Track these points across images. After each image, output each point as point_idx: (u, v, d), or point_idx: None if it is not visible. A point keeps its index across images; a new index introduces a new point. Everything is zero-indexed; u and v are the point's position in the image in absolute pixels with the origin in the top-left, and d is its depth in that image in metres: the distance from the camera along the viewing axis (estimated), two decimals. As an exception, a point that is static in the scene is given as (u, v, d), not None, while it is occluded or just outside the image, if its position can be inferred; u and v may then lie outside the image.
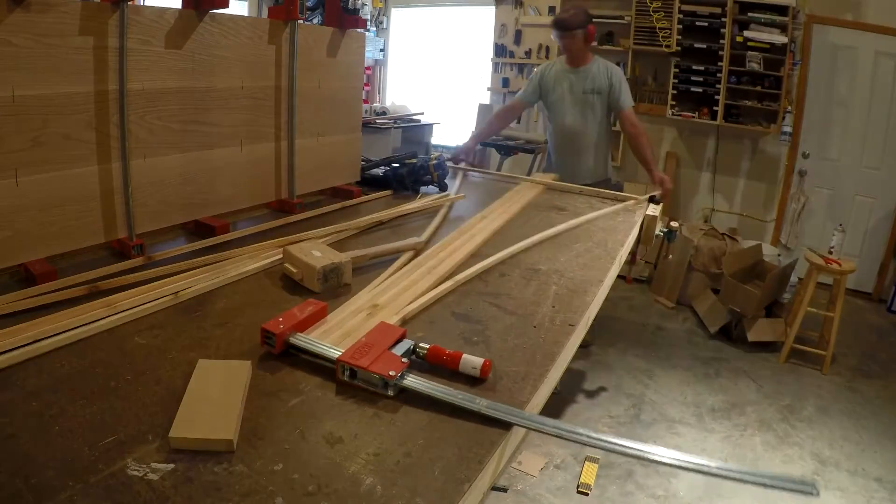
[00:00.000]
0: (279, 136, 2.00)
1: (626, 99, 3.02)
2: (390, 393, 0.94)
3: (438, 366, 1.03)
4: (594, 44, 5.18)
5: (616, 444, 0.86)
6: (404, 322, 1.21)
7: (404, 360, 0.99)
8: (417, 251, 1.64)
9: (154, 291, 1.26)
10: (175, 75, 1.60)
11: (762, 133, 4.81)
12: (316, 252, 1.41)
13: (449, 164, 2.65)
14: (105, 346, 1.05)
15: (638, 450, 0.86)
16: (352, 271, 1.43)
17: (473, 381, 1.00)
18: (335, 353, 1.00)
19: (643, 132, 3.05)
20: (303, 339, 1.06)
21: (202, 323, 1.18)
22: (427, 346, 1.05)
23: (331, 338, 1.09)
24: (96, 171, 1.46)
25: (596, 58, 3.07)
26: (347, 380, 0.97)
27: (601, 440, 0.87)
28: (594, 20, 5.50)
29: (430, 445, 0.84)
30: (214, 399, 0.87)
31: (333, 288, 1.37)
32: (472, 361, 1.01)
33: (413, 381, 0.96)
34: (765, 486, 0.80)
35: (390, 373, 0.94)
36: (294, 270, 1.39)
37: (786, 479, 0.80)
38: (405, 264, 1.55)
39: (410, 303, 1.28)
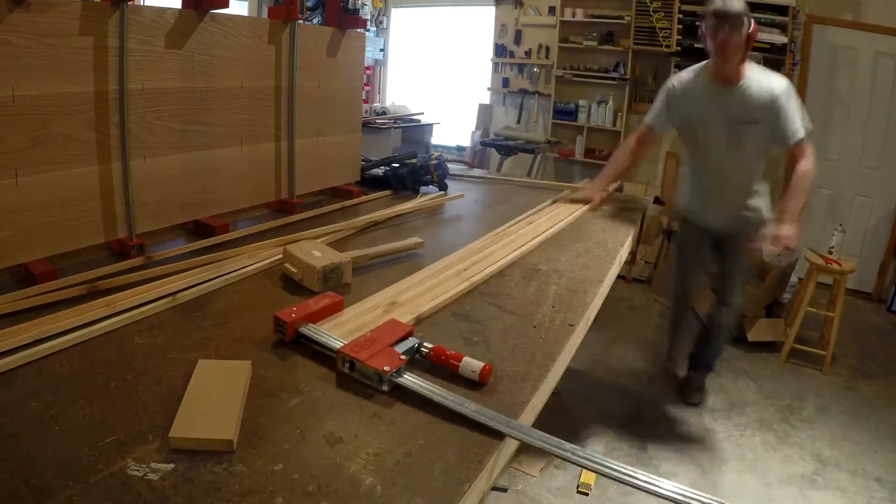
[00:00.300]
0: (279, 136, 2.00)
1: (796, 128, 2.13)
2: (385, 388, 0.95)
3: (440, 366, 1.03)
4: (596, 44, 5.22)
5: (602, 465, 0.85)
6: (419, 321, 1.22)
7: (403, 357, 0.99)
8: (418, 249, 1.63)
9: (154, 291, 1.26)
10: (175, 75, 1.60)
11: (762, 133, 4.80)
12: (316, 252, 1.41)
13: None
14: (105, 346, 1.05)
15: (624, 474, 0.83)
16: (352, 271, 1.43)
17: (474, 384, 1.00)
18: (337, 345, 1.01)
19: (805, 176, 2.17)
20: (312, 330, 1.08)
21: (202, 323, 1.18)
22: (430, 345, 1.05)
23: (341, 330, 1.11)
24: (96, 171, 1.46)
25: (752, 68, 2.16)
26: (347, 371, 0.99)
27: (587, 459, 0.86)
28: (597, 20, 5.49)
29: (430, 445, 0.84)
30: (214, 399, 0.87)
31: (334, 287, 1.36)
32: (471, 365, 1.01)
33: (409, 379, 0.96)
34: None
35: (385, 368, 0.95)
36: (294, 270, 1.39)
37: None
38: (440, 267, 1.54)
39: (429, 302, 1.30)
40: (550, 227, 1.96)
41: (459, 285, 1.41)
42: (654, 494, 0.82)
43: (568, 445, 0.87)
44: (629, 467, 0.84)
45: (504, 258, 1.62)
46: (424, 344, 1.05)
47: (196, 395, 0.88)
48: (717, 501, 0.80)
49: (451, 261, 1.58)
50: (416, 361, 1.04)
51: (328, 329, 1.10)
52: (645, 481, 0.82)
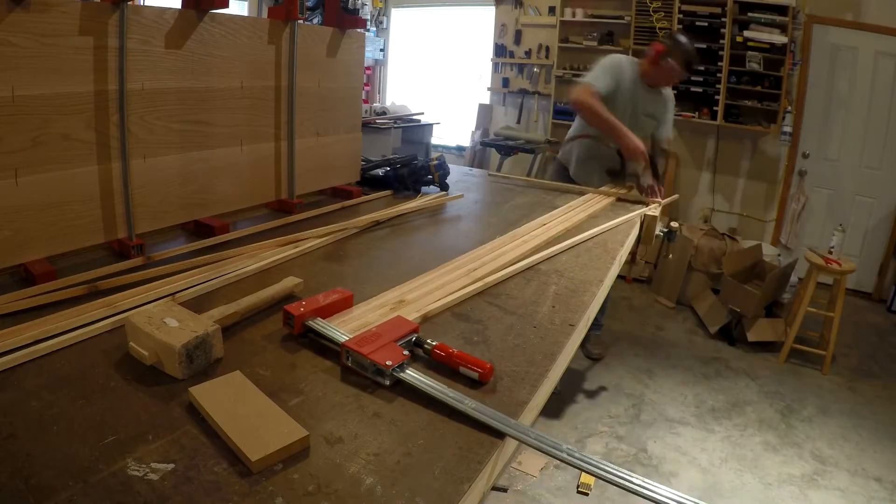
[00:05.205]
0: (279, 136, 2.00)
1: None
2: (386, 382, 0.96)
3: (443, 364, 1.04)
4: (596, 44, 5.22)
5: (596, 465, 0.83)
6: (425, 319, 1.23)
7: (406, 352, 1.00)
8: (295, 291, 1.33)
9: (154, 291, 1.26)
10: (175, 75, 1.60)
11: (762, 133, 4.81)
12: (171, 320, 1.02)
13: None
14: (105, 346, 1.05)
15: (617, 476, 0.81)
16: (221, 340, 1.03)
17: (474, 383, 1.01)
18: (343, 338, 1.03)
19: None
20: (319, 324, 1.10)
21: (202, 323, 1.18)
22: (434, 342, 1.06)
23: (349, 326, 1.12)
24: (96, 171, 1.46)
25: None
26: (350, 365, 1.00)
27: (582, 459, 0.84)
28: (594, 20, 5.50)
29: (431, 445, 0.84)
30: (251, 413, 0.85)
31: (201, 368, 0.99)
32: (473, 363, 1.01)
33: (410, 374, 0.97)
34: None
35: (387, 362, 0.96)
36: (144, 353, 0.97)
37: None
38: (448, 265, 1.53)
39: (437, 301, 1.29)
40: (566, 230, 1.92)
41: (471, 285, 1.40)
42: (648, 499, 0.80)
43: (564, 446, 0.86)
44: (625, 470, 0.83)
45: (520, 262, 1.58)
46: (427, 341, 1.06)
47: (231, 417, 0.83)
48: None
49: (462, 261, 1.57)
50: (420, 359, 1.06)
51: (338, 325, 1.11)
52: (639, 484, 0.81)
